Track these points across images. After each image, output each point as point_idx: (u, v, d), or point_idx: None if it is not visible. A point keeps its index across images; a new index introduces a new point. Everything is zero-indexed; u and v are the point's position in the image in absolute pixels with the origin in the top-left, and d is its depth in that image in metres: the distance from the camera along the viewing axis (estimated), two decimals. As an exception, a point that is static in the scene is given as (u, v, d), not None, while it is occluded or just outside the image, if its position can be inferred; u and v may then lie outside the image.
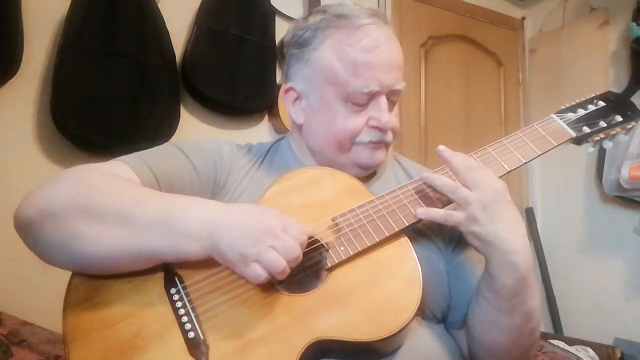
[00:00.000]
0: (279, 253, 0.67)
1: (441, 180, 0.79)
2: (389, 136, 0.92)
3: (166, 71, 1.84)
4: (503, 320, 0.78)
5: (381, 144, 0.91)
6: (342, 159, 0.92)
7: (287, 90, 0.96)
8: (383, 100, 0.89)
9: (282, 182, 0.85)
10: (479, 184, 0.76)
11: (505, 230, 0.75)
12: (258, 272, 0.67)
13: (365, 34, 0.87)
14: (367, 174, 0.96)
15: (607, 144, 0.95)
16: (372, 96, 0.88)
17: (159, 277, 0.73)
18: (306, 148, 0.97)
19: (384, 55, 0.88)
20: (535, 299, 0.80)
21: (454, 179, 0.79)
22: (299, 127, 0.96)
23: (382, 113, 0.88)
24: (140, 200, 0.72)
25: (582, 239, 2.60)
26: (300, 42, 0.92)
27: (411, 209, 0.80)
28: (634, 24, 2.29)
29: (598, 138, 0.92)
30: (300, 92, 0.93)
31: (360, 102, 0.88)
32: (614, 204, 2.43)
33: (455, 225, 0.77)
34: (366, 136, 0.89)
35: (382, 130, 0.89)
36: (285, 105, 0.97)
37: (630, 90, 2.25)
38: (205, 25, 1.94)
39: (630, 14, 2.34)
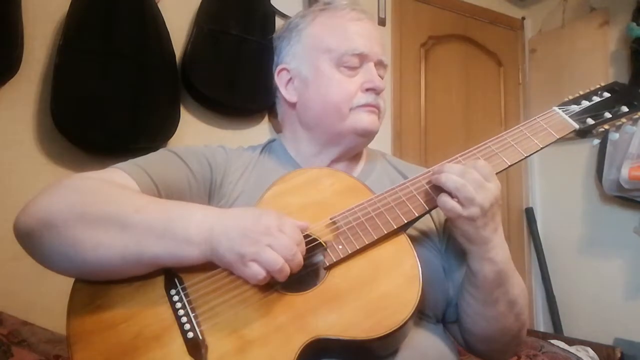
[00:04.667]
0: (276, 251, 0.67)
1: (447, 177, 0.77)
2: (382, 102, 0.95)
3: (166, 71, 1.83)
4: (488, 311, 0.83)
5: (375, 108, 0.94)
6: (340, 126, 0.93)
7: (279, 72, 0.99)
8: (373, 67, 0.94)
9: (281, 183, 0.85)
10: (483, 187, 0.76)
11: (490, 232, 0.78)
12: (256, 271, 0.68)
13: (350, 10, 0.96)
14: (365, 141, 0.97)
15: (614, 136, 0.94)
16: (363, 59, 0.93)
17: (160, 278, 0.73)
18: (301, 133, 0.98)
19: (370, 26, 0.96)
20: (517, 287, 0.84)
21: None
22: (293, 107, 0.98)
23: (374, 76, 0.93)
24: (139, 207, 0.72)
25: (582, 238, 2.60)
26: (289, 28, 0.99)
27: (410, 206, 0.80)
28: (634, 24, 2.29)
29: (603, 129, 0.91)
30: (292, 69, 0.97)
31: (353, 64, 0.92)
32: (614, 204, 2.44)
33: (452, 218, 0.78)
34: (361, 99, 0.93)
35: (375, 91, 0.93)
36: (279, 88, 1.00)
37: (630, 90, 2.26)
38: (205, 25, 1.93)
39: (630, 14, 2.35)
